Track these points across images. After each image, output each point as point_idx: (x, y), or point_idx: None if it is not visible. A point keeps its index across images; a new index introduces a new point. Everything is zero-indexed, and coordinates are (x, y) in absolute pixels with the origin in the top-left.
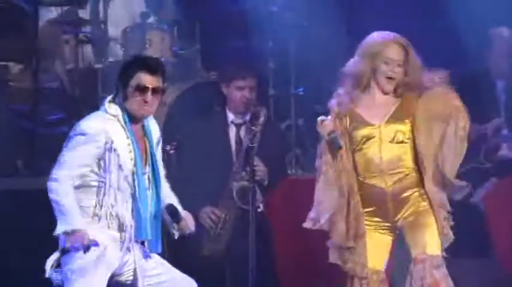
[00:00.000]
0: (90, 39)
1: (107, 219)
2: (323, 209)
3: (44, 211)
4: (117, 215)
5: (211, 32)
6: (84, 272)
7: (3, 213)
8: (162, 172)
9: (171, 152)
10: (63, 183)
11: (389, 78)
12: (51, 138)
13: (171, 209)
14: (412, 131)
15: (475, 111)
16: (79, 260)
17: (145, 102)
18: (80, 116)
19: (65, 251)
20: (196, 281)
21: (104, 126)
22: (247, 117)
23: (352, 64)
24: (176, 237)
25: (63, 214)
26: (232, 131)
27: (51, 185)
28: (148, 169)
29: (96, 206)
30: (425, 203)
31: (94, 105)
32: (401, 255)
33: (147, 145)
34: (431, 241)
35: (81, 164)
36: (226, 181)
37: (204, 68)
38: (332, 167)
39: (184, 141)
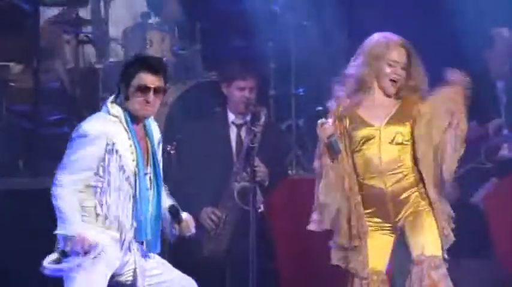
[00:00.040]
0: (91, 39)
1: (107, 219)
2: (327, 211)
3: (44, 211)
4: (117, 216)
5: (211, 32)
6: (85, 271)
7: (3, 213)
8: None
9: (172, 152)
10: (67, 188)
11: (393, 81)
12: (52, 138)
13: (173, 210)
14: (412, 133)
15: (475, 112)
16: (79, 259)
17: (147, 102)
18: (81, 116)
19: (64, 253)
20: (197, 281)
21: (105, 128)
22: (248, 118)
23: (356, 67)
24: (173, 240)
25: (63, 221)
26: (232, 132)
27: (55, 190)
28: (149, 170)
29: (97, 206)
30: (424, 203)
31: (95, 106)
32: (401, 255)
33: (149, 145)
34: (430, 241)
35: (84, 167)
36: (227, 181)
37: (205, 68)
38: (332, 169)
39: (184, 142)
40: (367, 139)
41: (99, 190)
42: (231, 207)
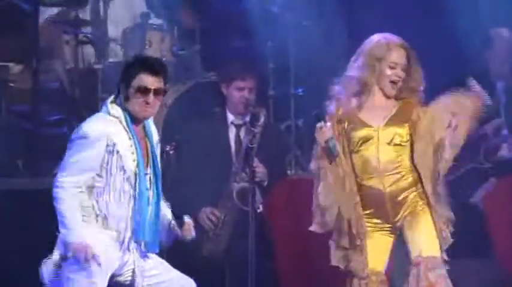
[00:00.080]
0: (90, 40)
1: (107, 219)
2: (328, 213)
3: (44, 211)
4: (117, 216)
5: (211, 33)
6: (85, 271)
7: (3, 213)
8: None
9: (171, 152)
10: (68, 190)
11: (393, 82)
12: (51, 138)
13: (175, 212)
14: (410, 134)
15: None
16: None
17: (147, 103)
18: (80, 116)
19: (65, 258)
20: (195, 281)
21: (106, 129)
22: (247, 118)
23: (356, 68)
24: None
25: (65, 226)
26: (232, 132)
27: (57, 193)
28: (149, 170)
29: (97, 206)
30: (422, 203)
31: (94, 106)
32: (400, 256)
33: (148, 146)
34: (427, 242)
35: (85, 168)
36: (226, 181)
37: (204, 69)
38: (331, 171)
39: (183, 142)
40: (366, 140)
41: (99, 190)
42: (230, 207)
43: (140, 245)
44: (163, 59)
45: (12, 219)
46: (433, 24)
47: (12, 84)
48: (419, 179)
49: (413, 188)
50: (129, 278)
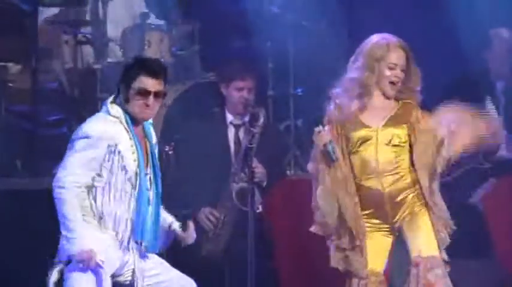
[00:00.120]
0: (90, 40)
1: (108, 219)
2: (328, 216)
3: (43, 211)
4: (118, 216)
5: (210, 33)
6: (86, 271)
7: (3, 213)
8: None
9: (170, 152)
10: (71, 190)
11: (392, 83)
12: (51, 138)
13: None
14: (409, 135)
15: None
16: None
17: (147, 105)
18: (79, 116)
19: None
20: (195, 281)
21: (106, 129)
22: (246, 119)
23: (356, 70)
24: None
25: (68, 229)
26: (231, 132)
27: (59, 193)
28: (149, 170)
29: (98, 206)
30: (421, 203)
31: (93, 106)
32: (400, 256)
33: (148, 146)
34: (426, 242)
35: (86, 169)
36: (225, 181)
37: (203, 69)
38: (329, 174)
39: (183, 142)
40: (364, 140)
41: (100, 190)
42: (229, 207)
43: (140, 245)
44: (163, 59)
45: (12, 219)
46: (433, 24)
47: (11, 84)
48: (417, 180)
49: (412, 189)
50: (129, 278)
